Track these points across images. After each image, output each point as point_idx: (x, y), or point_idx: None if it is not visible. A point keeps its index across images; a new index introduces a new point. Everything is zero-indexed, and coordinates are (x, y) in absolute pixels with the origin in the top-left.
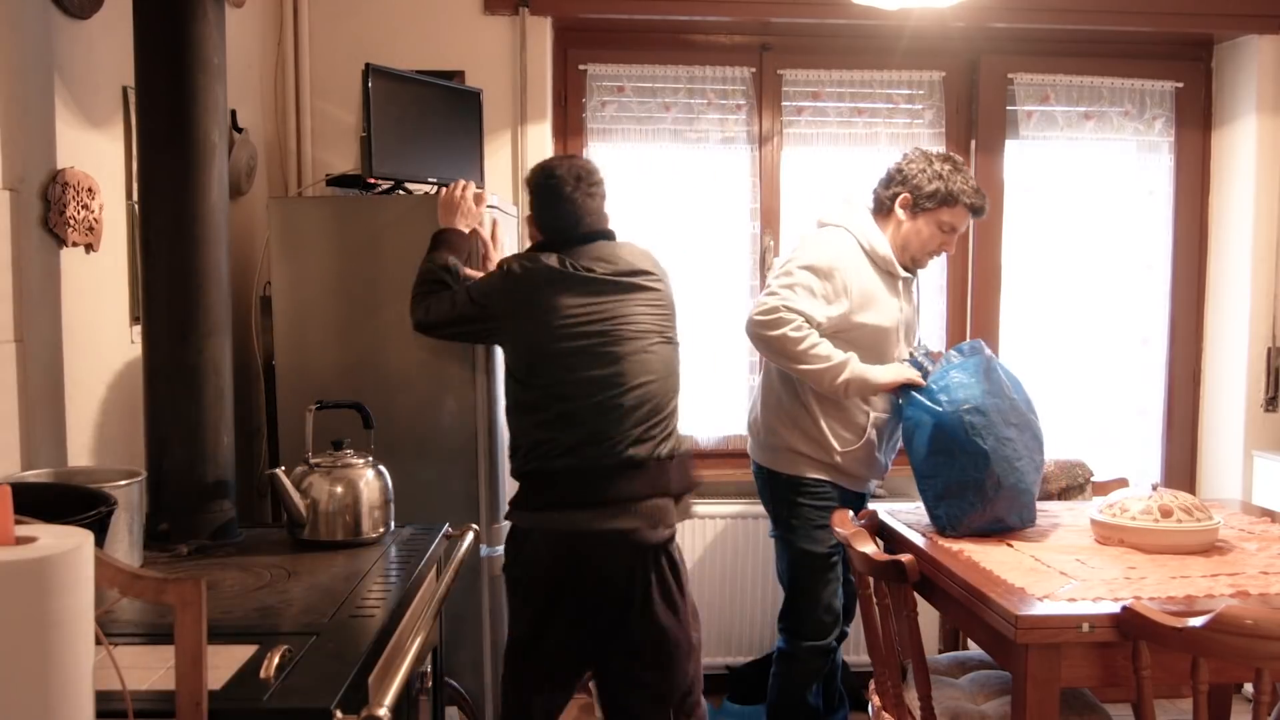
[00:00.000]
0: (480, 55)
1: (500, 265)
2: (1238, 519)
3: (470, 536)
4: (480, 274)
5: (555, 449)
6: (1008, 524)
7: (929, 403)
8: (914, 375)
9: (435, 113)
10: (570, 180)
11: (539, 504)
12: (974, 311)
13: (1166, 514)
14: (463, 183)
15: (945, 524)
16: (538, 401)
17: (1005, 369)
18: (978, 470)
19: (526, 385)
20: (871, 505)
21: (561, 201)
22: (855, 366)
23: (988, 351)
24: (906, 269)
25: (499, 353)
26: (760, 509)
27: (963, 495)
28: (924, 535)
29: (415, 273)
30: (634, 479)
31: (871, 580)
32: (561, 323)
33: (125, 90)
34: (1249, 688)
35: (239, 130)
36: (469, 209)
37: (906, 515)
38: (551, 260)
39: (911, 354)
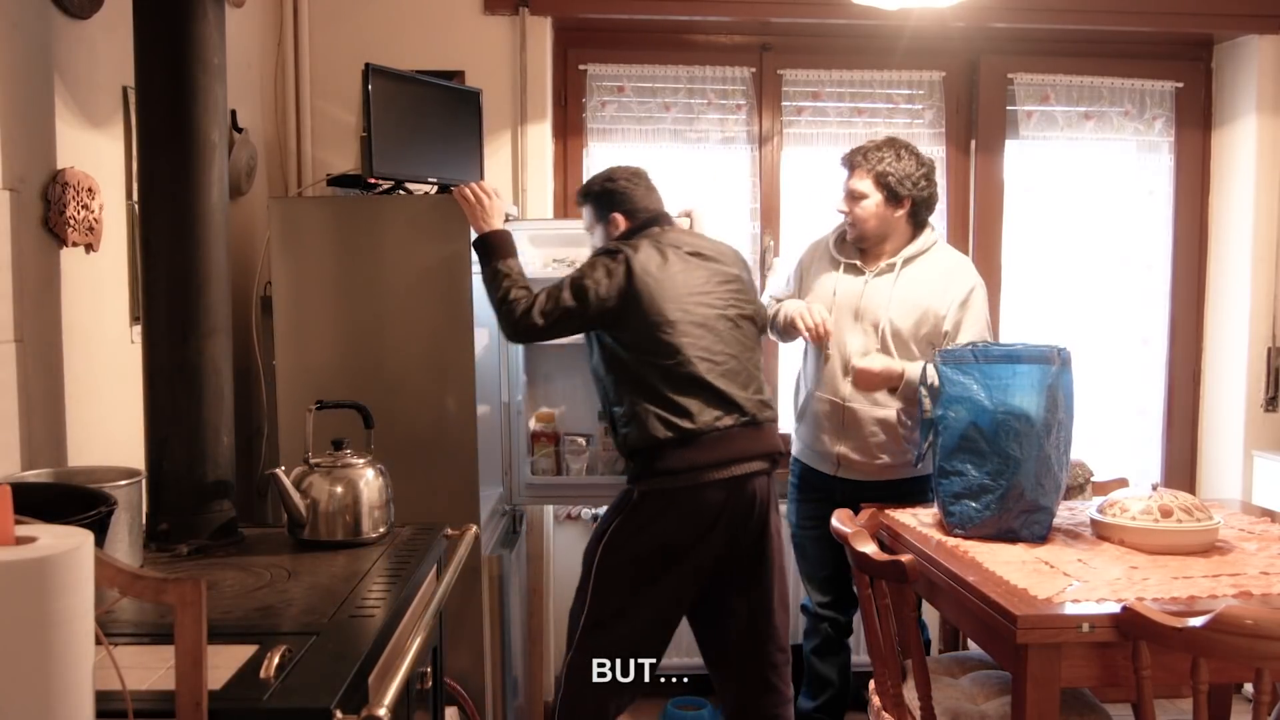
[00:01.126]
0: (480, 55)
1: (608, 254)
2: (1238, 519)
3: (470, 536)
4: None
5: (702, 414)
6: (1019, 536)
7: (976, 394)
8: (806, 316)
9: (435, 113)
10: (638, 174)
11: (702, 463)
12: None
13: (1166, 514)
14: (472, 185)
15: (957, 524)
16: (673, 371)
17: (1071, 385)
18: (1004, 478)
19: (655, 358)
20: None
21: (641, 191)
22: (784, 308)
23: (1067, 364)
24: (898, 262)
25: (511, 349)
26: None
27: (980, 499)
28: (925, 535)
29: (413, 272)
30: (763, 435)
31: (871, 580)
32: (687, 296)
33: (125, 90)
34: (1249, 688)
35: (239, 130)
36: (493, 205)
37: (907, 514)
38: (659, 239)
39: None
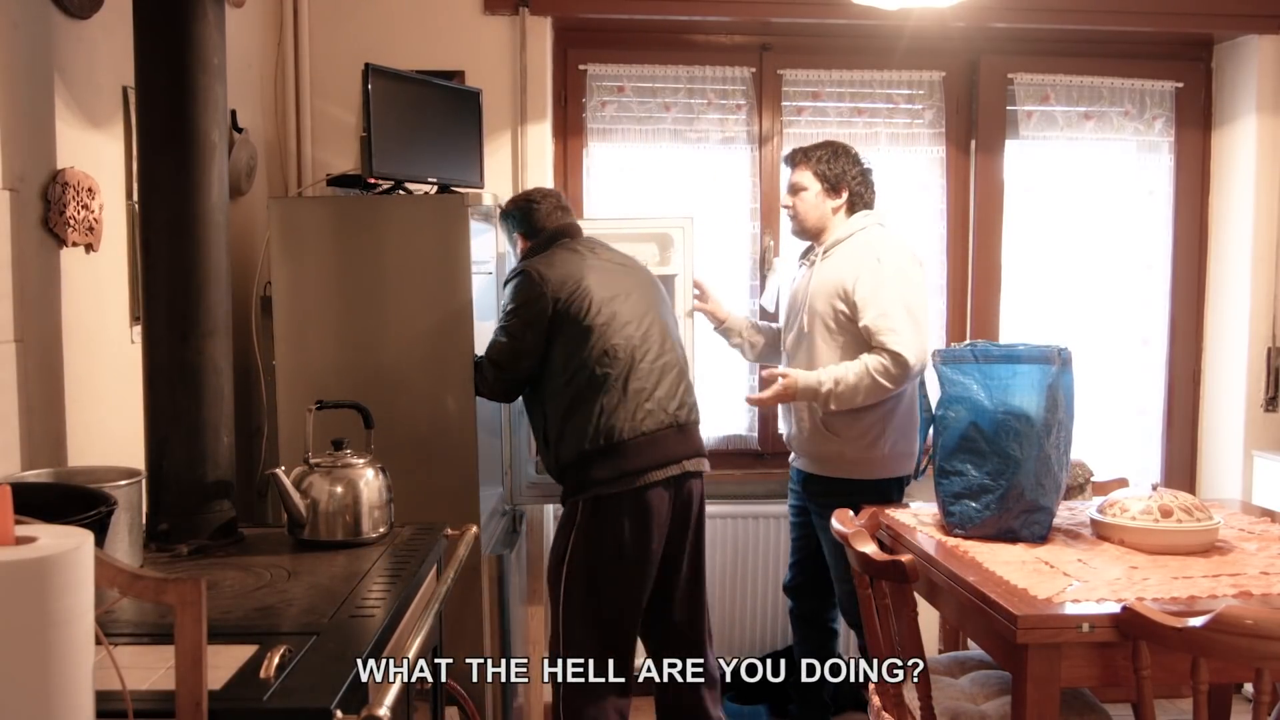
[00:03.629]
0: (480, 55)
1: (522, 273)
2: (1238, 519)
3: (470, 536)
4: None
5: (638, 413)
6: (1019, 536)
7: (976, 394)
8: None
9: (435, 113)
10: (552, 196)
11: (645, 465)
12: (974, 311)
13: (1166, 514)
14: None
15: (957, 524)
16: (606, 380)
17: (1071, 385)
18: (1004, 478)
19: (597, 368)
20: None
21: (555, 210)
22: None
23: (1067, 364)
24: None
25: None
26: (758, 508)
27: (980, 499)
28: (925, 535)
29: (413, 272)
30: (694, 432)
31: (871, 580)
32: (599, 297)
33: (125, 90)
34: (1249, 688)
35: (239, 130)
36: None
37: (907, 514)
38: (563, 246)
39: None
